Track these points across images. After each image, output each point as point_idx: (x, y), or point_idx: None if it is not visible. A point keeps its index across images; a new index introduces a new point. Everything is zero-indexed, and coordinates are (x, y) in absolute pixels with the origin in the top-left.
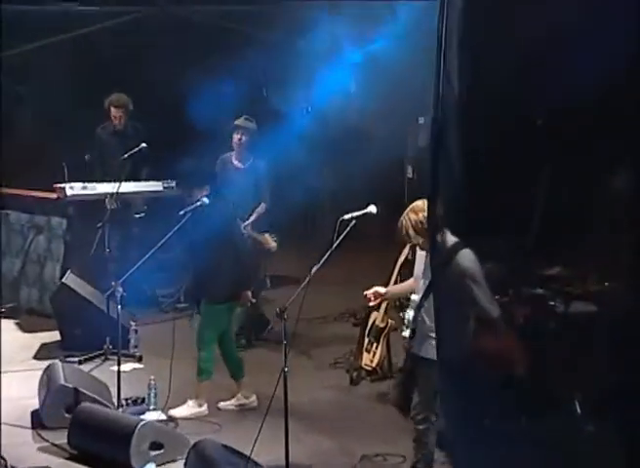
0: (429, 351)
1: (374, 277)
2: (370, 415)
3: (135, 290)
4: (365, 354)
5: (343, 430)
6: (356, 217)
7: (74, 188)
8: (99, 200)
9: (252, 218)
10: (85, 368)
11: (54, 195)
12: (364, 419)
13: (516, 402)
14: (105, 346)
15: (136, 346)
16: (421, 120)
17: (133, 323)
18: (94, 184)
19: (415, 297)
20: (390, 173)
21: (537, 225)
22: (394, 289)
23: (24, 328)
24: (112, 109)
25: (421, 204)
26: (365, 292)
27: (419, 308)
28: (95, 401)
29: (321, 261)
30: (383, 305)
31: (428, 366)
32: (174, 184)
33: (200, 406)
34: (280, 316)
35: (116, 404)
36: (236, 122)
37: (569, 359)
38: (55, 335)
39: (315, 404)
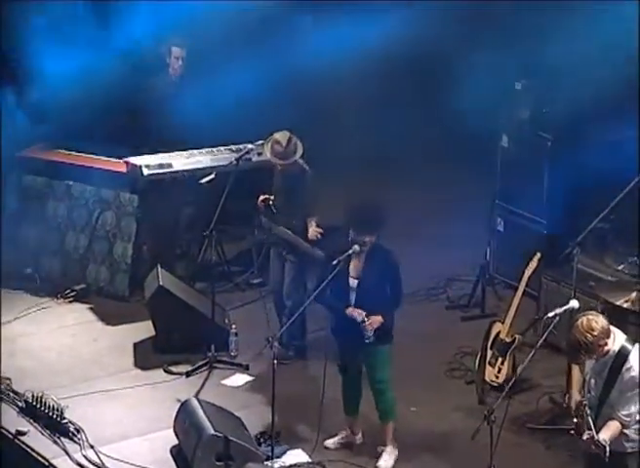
0: (620, 445)
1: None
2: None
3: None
4: (489, 368)
5: None
6: (559, 314)
7: (150, 167)
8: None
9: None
10: (193, 382)
11: (122, 167)
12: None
13: None
14: (210, 354)
15: (236, 350)
16: (519, 85)
17: (234, 325)
18: (168, 159)
19: (593, 399)
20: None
21: None
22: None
23: (101, 315)
24: (174, 50)
25: (585, 321)
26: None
27: (600, 406)
28: (244, 450)
29: (526, 361)
30: (509, 320)
31: (621, 458)
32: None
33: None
34: (488, 419)
35: (271, 455)
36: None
37: None
38: (138, 327)
39: (451, 432)
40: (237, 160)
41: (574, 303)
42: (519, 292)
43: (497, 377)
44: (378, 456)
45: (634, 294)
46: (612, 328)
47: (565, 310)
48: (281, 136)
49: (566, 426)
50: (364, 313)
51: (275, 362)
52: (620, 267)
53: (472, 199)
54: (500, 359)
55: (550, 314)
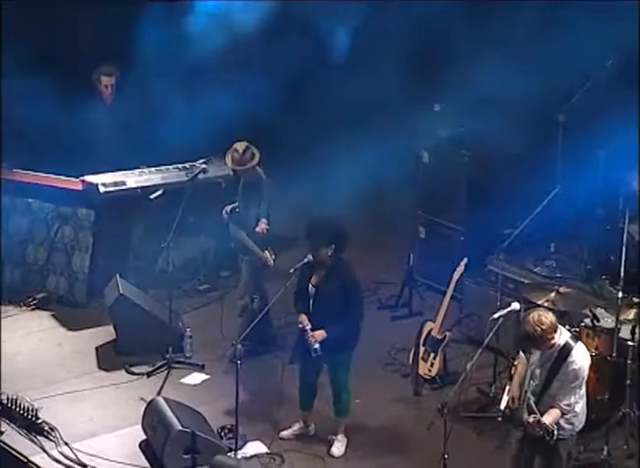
0: (562, 431)
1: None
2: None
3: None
4: (422, 362)
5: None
6: (504, 316)
7: (106, 185)
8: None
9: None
10: (154, 382)
11: (78, 185)
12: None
13: None
14: (168, 355)
15: (191, 351)
16: (437, 107)
17: (188, 329)
18: (122, 177)
19: (536, 387)
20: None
21: None
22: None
23: (62, 321)
24: (104, 78)
25: (536, 316)
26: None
27: (542, 394)
28: (210, 443)
29: (474, 358)
30: (439, 319)
31: (556, 443)
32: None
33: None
34: (441, 412)
35: (234, 448)
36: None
37: None
38: (98, 332)
39: (393, 422)
40: (192, 178)
41: (515, 305)
42: (448, 294)
43: (429, 371)
44: (330, 445)
45: (553, 294)
46: (559, 325)
47: (508, 312)
48: (239, 145)
49: (494, 414)
50: (308, 325)
51: (239, 362)
52: (536, 269)
53: (396, 210)
54: (432, 354)
55: (495, 316)
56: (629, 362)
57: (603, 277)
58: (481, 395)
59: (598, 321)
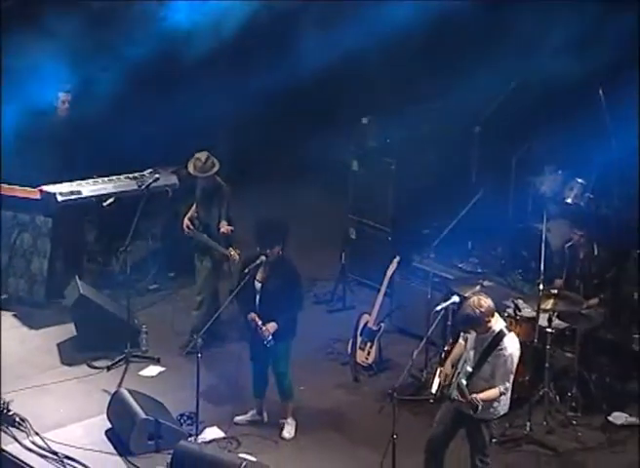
0: (484, 413)
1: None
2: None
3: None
4: (360, 351)
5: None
6: (444, 308)
7: (63, 194)
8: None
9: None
10: (114, 375)
11: (36, 194)
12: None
13: None
14: (126, 350)
15: (147, 346)
16: (365, 120)
17: (144, 325)
18: (77, 187)
19: (469, 368)
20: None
21: None
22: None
23: (24, 321)
24: (61, 95)
25: (477, 300)
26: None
27: (472, 374)
28: (172, 430)
29: (420, 347)
30: (374, 312)
31: (479, 423)
32: (154, 176)
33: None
34: (391, 396)
35: (195, 432)
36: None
37: None
38: (58, 330)
39: (337, 406)
40: (147, 186)
41: (455, 298)
42: (383, 289)
43: (367, 359)
44: (281, 428)
45: (478, 287)
46: (496, 312)
47: (449, 304)
48: (201, 155)
49: (426, 397)
50: (260, 321)
51: (200, 354)
52: (461, 265)
53: (328, 214)
54: (368, 344)
55: (437, 308)
56: (548, 347)
57: (517, 271)
58: (414, 380)
59: (520, 310)
